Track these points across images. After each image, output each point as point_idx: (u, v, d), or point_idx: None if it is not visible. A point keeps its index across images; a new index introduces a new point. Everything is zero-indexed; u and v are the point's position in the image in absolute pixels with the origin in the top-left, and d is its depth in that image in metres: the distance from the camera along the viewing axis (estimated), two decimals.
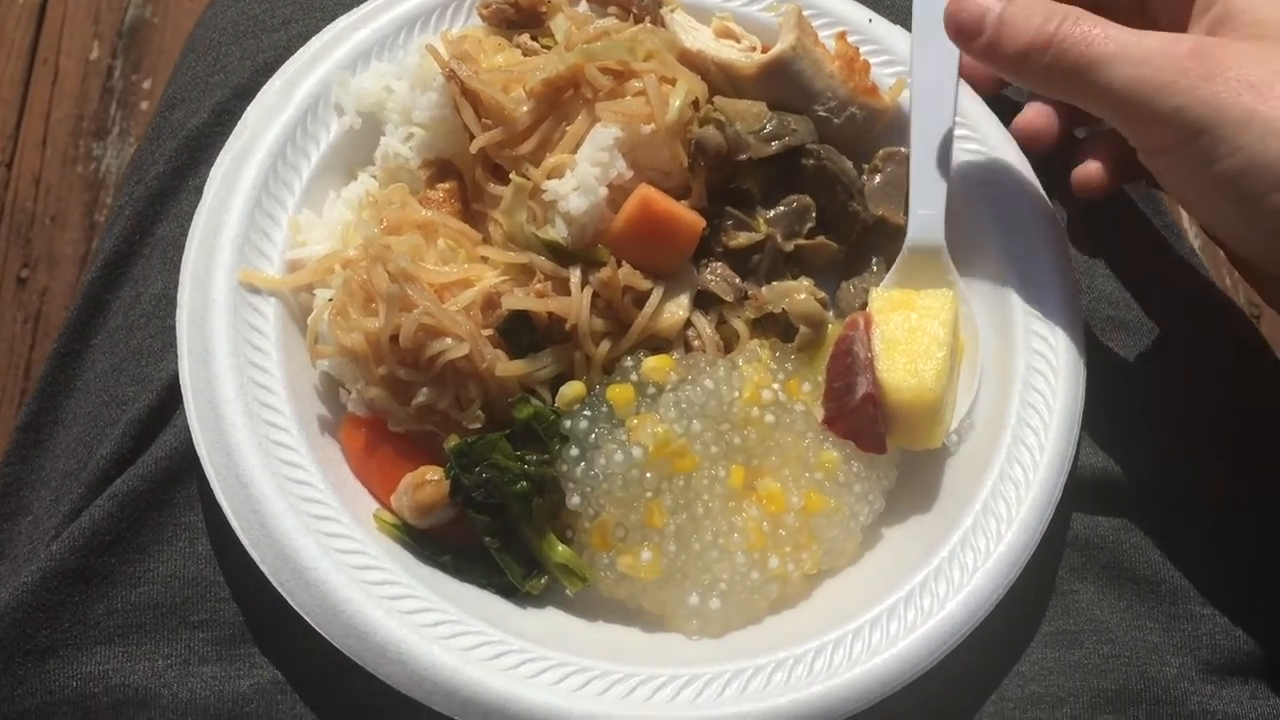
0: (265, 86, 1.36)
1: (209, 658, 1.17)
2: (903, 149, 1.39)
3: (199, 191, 1.30)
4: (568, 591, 1.19)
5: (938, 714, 1.18)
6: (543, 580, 1.21)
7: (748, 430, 1.21)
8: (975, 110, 1.41)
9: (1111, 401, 1.33)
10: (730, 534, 1.17)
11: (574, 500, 1.18)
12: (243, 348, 1.21)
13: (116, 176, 2.91)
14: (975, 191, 1.35)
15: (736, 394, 1.21)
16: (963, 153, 1.37)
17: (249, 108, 1.34)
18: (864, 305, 1.30)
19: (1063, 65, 1.09)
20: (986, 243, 1.34)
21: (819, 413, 1.24)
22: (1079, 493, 1.27)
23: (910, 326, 1.22)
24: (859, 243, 1.38)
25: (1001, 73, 1.17)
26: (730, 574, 1.16)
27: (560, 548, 1.19)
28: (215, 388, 1.18)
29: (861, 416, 1.19)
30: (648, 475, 1.16)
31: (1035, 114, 1.36)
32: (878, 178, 1.38)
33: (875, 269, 1.37)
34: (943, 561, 1.17)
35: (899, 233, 1.37)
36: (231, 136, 1.33)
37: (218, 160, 1.31)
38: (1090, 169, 1.30)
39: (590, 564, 1.19)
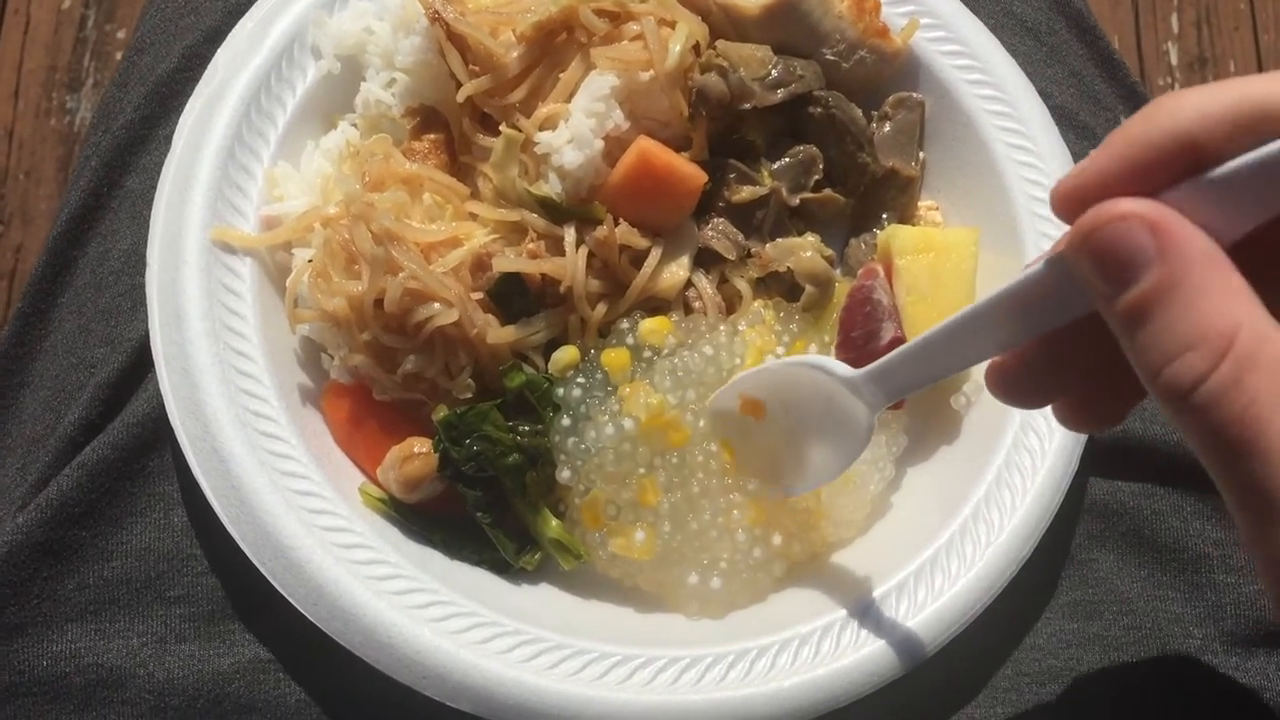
0: (236, 28, 1.28)
1: (187, 635, 1.12)
2: (915, 94, 1.32)
3: (169, 141, 1.22)
4: (563, 567, 1.14)
5: (951, 690, 1.14)
6: (537, 556, 1.15)
7: None
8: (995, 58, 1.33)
9: None
10: (729, 511, 1.11)
11: (564, 474, 1.13)
12: (217, 310, 1.15)
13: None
14: (1000, 150, 1.28)
15: (739, 360, 1.14)
16: (978, 96, 1.30)
17: (219, 51, 1.26)
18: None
19: (1187, 429, 0.66)
20: (1002, 195, 1.27)
21: None
22: (1097, 457, 1.22)
23: (935, 269, 1.17)
24: (867, 196, 1.32)
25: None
26: (731, 553, 1.11)
27: (554, 523, 1.14)
28: (189, 354, 1.12)
29: None
30: (640, 450, 1.10)
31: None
32: (888, 126, 1.32)
33: (885, 223, 1.30)
34: (955, 535, 1.13)
35: (910, 185, 1.31)
36: (201, 82, 1.24)
37: (187, 108, 1.23)
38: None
39: (583, 542, 1.13)
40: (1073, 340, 0.79)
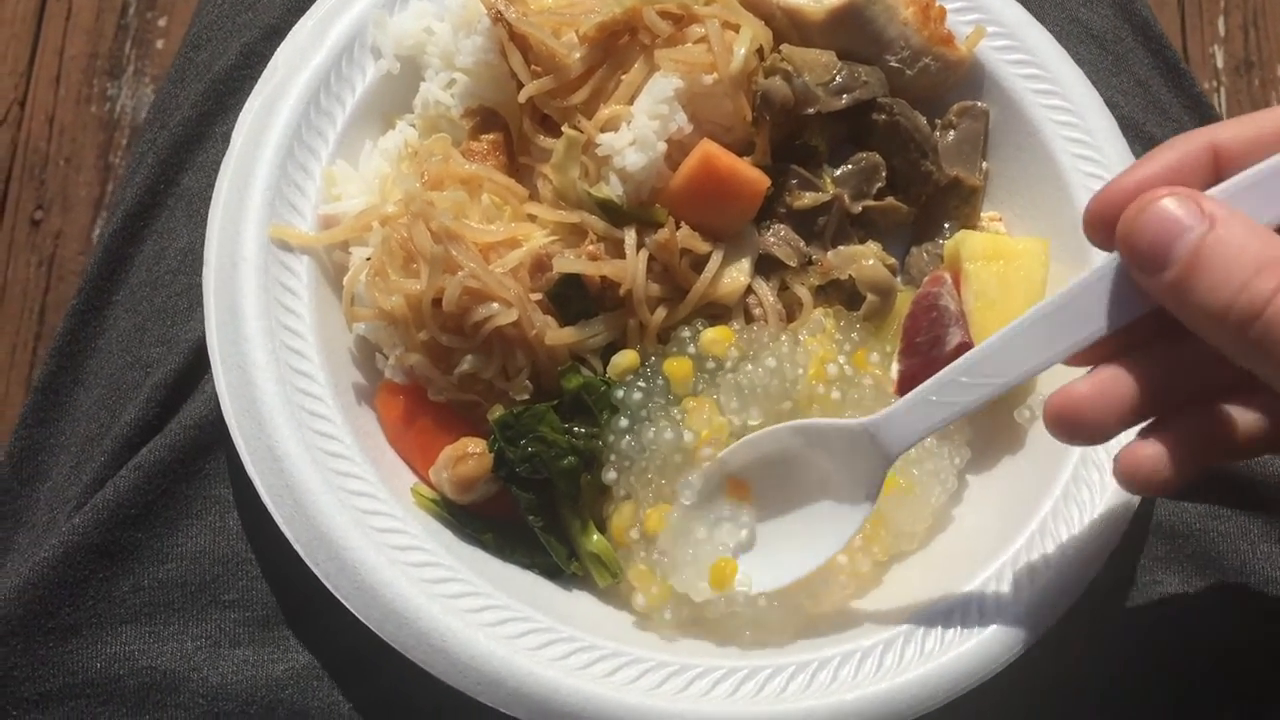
0: (297, 26, 1.27)
1: (241, 640, 1.11)
2: (979, 103, 1.30)
3: (226, 139, 1.22)
4: (598, 584, 1.12)
5: (1009, 711, 1.11)
6: None
7: (813, 408, 1.13)
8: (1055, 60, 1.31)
9: None
10: None
11: (610, 475, 1.11)
12: (274, 309, 1.14)
13: (132, 117, 2.82)
14: (1066, 162, 1.25)
15: (801, 371, 1.12)
16: (1044, 106, 1.28)
17: (279, 49, 1.25)
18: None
19: (1275, 350, 0.74)
20: (1069, 207, 1.24)
21: (889, 384, 1.17)
22: None
23: (1004, 277, 1.15)
24: (930, 205, 1.29)
25: (1185, 322, 0.80)
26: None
27: (596, 537, 1.12)
28: (245, 352, 1.11)
29: None
30: (685, 470, 1.08)
31: (1146, 452, 0.87)
32: (951, 134, 1.30)
33: (948, 233, 1.28)
34: (1020, 550, 1.10)
35: (974, 195, 1.29)
36: (260, 80, 1.24)
37: (246, 106, 1.22)
38: (1148, 454, 0.86)
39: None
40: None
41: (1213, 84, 2.87)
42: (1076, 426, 0.86)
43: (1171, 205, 0.78)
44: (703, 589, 1.05)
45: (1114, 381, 0.85)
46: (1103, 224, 0.85)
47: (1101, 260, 0.87)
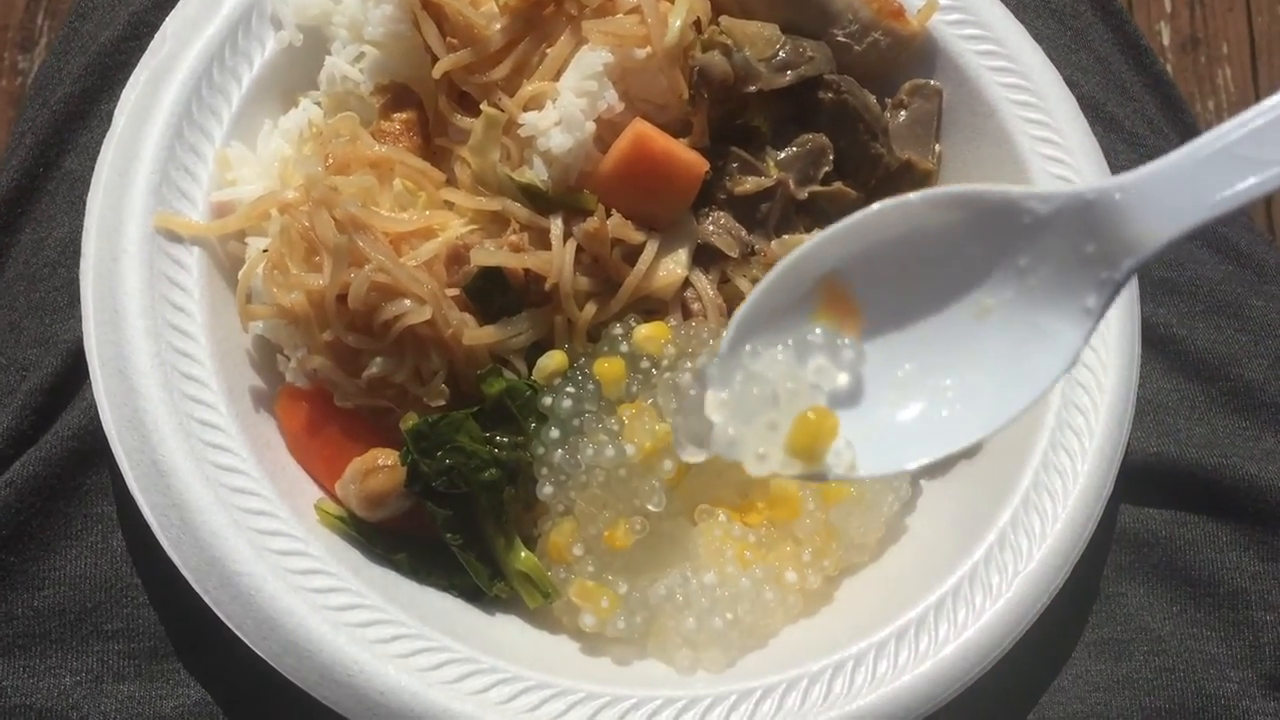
0: None
1: (125, 674, 1.05)
2: (932, 82, 1.25)
3: (112, 118, 1.14)
4: (528, 605, 1.06)
5: None
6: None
7: None
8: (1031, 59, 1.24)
9: (1165, 376, 1.20)
10: (720, 553, 1.04)
11: (546, 490, 1.05)
12: (160, 307, 1.07)
13: None
14: (1024, 144, 1.20)
15: None
16: (1001, 85, 1.22)
17: (168, 18, 1.18)
18: None
19: None
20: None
21: None
22: (1128, 481, 1.15)
23: None
24: (880, 190, 1.24)
25: None
26: (727, 603, 1.02)
27: (524, 554, 1.06)
28: (127, 355, 1.04)
29: None
30: (634, 482, 1.02)
31: None
32: (903, 115, 1.25)
33: None
34: (978, 564, 1.05)
35: (926, 179, 1.24)
36: (147, 53, 1.16)
37: (130, 81, 1.15)
38: None
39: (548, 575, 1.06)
40: None
41: (1159, 61, 2.88)
42: None
43: None
44: (774, 458, 0.72)
45: None
46: None
47: None
